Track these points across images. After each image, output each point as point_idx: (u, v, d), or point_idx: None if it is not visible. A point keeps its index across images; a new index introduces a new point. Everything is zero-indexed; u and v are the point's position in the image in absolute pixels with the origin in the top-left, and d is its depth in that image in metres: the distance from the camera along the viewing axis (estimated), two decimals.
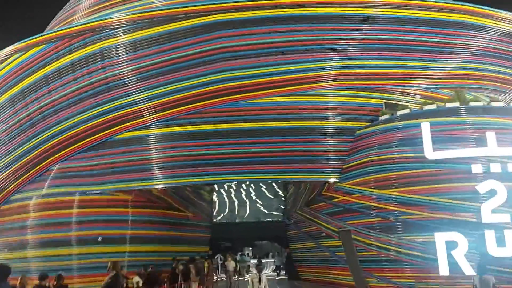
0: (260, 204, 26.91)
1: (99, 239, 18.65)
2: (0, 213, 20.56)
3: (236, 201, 26.75)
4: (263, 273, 10.54)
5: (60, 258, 18.46)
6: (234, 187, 25.51)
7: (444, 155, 14.50)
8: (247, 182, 24.22)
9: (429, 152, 14.61)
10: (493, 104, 16.21)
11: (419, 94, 18.37)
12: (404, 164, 15.50)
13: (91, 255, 18.61)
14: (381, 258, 15.40)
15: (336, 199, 17.69)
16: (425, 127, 14.90)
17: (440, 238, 13.73)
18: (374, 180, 16.08)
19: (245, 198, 26.83)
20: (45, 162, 19.44)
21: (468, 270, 13.24)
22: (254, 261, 31.61)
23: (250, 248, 41.75)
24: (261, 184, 24.66)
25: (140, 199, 20.01)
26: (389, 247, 15.09)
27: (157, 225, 20.48)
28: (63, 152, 19.10)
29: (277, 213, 26.08)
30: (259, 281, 10.23)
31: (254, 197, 26.87)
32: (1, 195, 20.42)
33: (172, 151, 18.44)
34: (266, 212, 26.93)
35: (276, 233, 26.30)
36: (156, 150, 18.63)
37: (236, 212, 28.03)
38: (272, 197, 25.95)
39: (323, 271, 19.42)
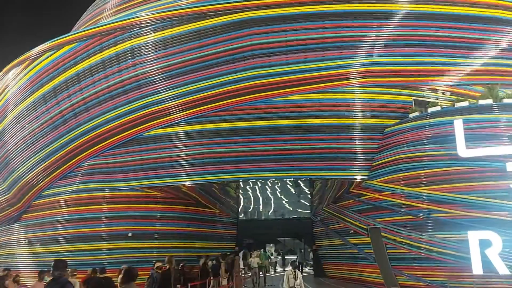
0: (286, 201, 26.91)
1: (129, 234, 18.99)
2: (32, 208, 21.17)
3: (261, 198, 26.81)
4: (299, 270, 10.55)
5: (91, 253, 18.90)
6: (260, 184, 25.55)
7: (477, 153, 14.27)
8: (273, 180, 24.21)
9: (462, 150, 14.39)
10: None
11: (449, 91, 18.10)
12: (435, 162, 15.33)
13: (121, 250, 19.00)
14: (411, 256, 15.29)
15: (365, 197, 17.60)
16: (458, 124, 14.69)
17: (474, 236, 13.54)
18: (404, 178, 15.95)
19: (270, 195, 26.86)
20: (76, 159, 19.88)
21: (502, 269, 13.03)
22: (289, 257, 31.71)
23: (272, 245, 41.92)
24: (287, 181, 24.63)
25: (168, 196, 20.30)
26: (420, 245, 14.96)
27: (185, 221, 20.75)
28: (94, 148, 19.49)
29: (303, 210, 26.03)
30: (295, 278, 10.28)
31: (280, 194, 26.89)
32: (33, 190, 20.99)
33: (199, 148, 18.62)
34: (291, 209, 26.92)
35: (302, 230, 26.29)
36: (183, 147, 18.87)
37: (261, 209, 28.12)
38: (298, 194, 25.92)
39: (350, 268, 19.39)
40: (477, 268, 13.30)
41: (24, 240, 21.06)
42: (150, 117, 18.82)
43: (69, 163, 20.00)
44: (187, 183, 19.20)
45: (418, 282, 15.12)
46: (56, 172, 20.29)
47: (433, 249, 14.58)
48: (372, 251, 17.25)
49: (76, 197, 19.72)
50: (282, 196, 26.84)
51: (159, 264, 12.14)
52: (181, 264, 14.72)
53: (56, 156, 19.99)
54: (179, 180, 19.04)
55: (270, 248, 39.65)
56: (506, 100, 15.65)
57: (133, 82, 18.35)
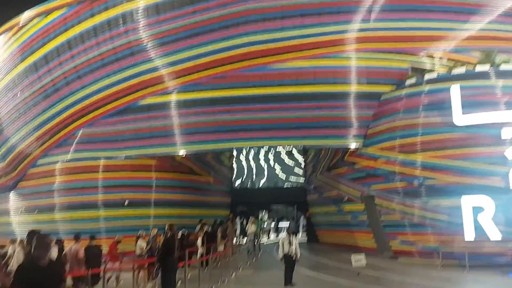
0: (279, 170, 27.06)
1: (126, 203, 19.06)
2: (28, 177, 21.11)
3: (255, 167, 26.95)
4: (295, 236, 10.66)
5: (88, 221, 19.00)
6: (253, 153, 25.64)
7: (473, 120, 14.25)
8: (266, 148, 24.28)
9: (458, 117, 14.36)
10: None
11: (446, 57, 17.89)
12: (430, 129, 15.32)
13: (118, 218, 19.11)
14: (404, 222, 15.49)
15: (360, 164, 17.67)
16: (455, 90, 14.59)
17: (467, 202, 13.70)
18: (399, 145, 15.97)
19: (264, 164, 26.98)
20: (70, 127, 19.68)
21: (494, 234, 13.27)
22: (282, 224, 32.10)
23: (264, 212, 42.36)
24: (280, 150, 24.71)
25: (163, 164, 20.28)
26: (413, 211, 15.13)
27: (180, 189, 20.79)
28: (87, 117, 19.27)
29: (296, 178, 26.20)
30: (290, 244, 10.40)
31: (273, 163, 27.00)
32: (28, 159, 20.88)
33: (193, 117, 18.49)
34: (285, 177, 27.08)
35: (295, 198, 26.55)
36: (177, 116, 18.72)
37: (255, 178, 28.29)
38: (291, 162, 26.05)
39: (343, 234, 19.68)
40: (469, 233, 13.51)
41: (21, 209, 21.11)
42: (143, 85, 18.54)
43: (63, 132, 19.81)
44: (181, 152, 19.20)
45: (411, 247, 15.39)
46: (50, 141, 20.13)
47: (426, 215, 14.76)
48: (365, 217, 17.47)
49: (71, 166, 19.63)
50: (275, 165, 26.94)
51: (155, 231, 12.26)
52: (181, 232, 14.80)
53: (49, 125, 19.79)
54: (174, 149, 19.04)
55: (263, 216, 40.18)
56: (503, 66, 15.51)
57: (125, 49, 17.98)
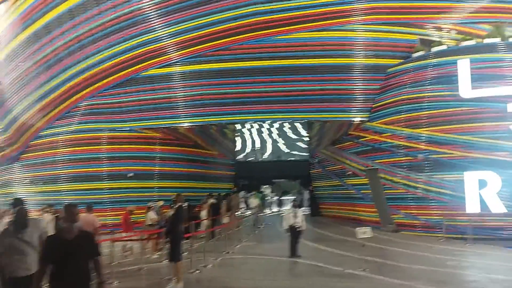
0: (283, 143, 27.00)
1: (130, 174, 19.12)
2: (32, 148, 21.13)
3: (259, 140, 26.89)
4: (300, 208, 10.71)
5: (92, 192, 19.12)
6: (257, 126, 25.53)
7: (481, 94, 14.07)
8: (270, 122, 24.16)
9: (466, 91, 14.17)
10: None
11: (454, 29, 17.52)
12: (437, 103, 15.16)
13: (122, 190, 19.23)
14: (408, 195, 15.54)
15: (364, 138, 17.59)
16: (463, 64, 14.33)
17: (472, 176, 13.68)
18: (404, 119, 15.85)
19: (267, 137, 26.92)
20: (73, 99, 19.55)
21: (498, 207, 13.31)
22: (286, 198, 32.36)
23: (266, 186, 42.61)
24: (284, 123, 24.59)
25: (167, 137, 20.25)
26: (418, 185, 15.15)
27: (184, 162, 20.83)
28: (90, 88, 19.11)
29: (300, 152, 26.15)
30: (295, 216, 10.45)
31: (276, 136, 26.93)
32: (31, 130, 20.85)
33: (197, 89, 18.32)
34: (288, 151, 27.05)
35: (298, 172, 26.60)
36: (180, 88, 18.56)
37: (258, 151, 28.29)
38: (295, 136, 25.95)
39: (346, 208, 19.80)
40: (473, 207, 13.55)
41: (26, 179, 21.23)
42: (146, 56, 18.28)
43: (66, 103, 19.69)
44: (185, 124, 19.13)
45: (414, 221, 15.48)
46: (53, 112, 20.04)
47: (430, 189, 14.78)
48: (369, 191, 17.51)
49: (75, 137, 19.59)
50: (279, 138, 26.88)
51: (161, 203, 12.34)
52: (186, 204, 14.89)
53: (52, 96, 19.66)
54: (177, 121, 18.97)
55: (265, 189, 40.40)
56: None
57: (128, 19, 17.64)
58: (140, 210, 13.93)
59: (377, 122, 16.95)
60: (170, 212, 8.00)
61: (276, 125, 26.00)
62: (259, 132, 26.46)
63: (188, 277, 8.55)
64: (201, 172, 21.89)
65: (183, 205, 8.36)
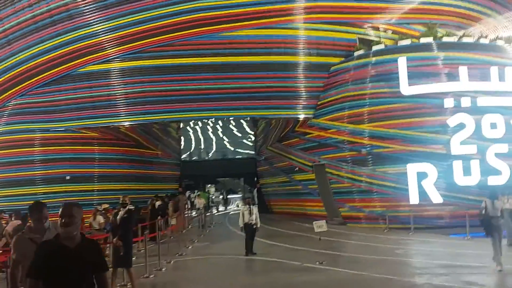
0: (228, 142, 26.81)
1: (67, 177, 18.00)
2: None
3: (203, 139, 26.47)
4: (252, 206, 10.62)
5: (26, 197, 17.73)
6: (201, 124, 25.12)
7: (419, 90, 14.82)
8: (214, 119, 23.88)
9: (405, 87, 14.86)
10: (464, 39, 16.50)
11: (390, 29, 18.37)
12: (378, 100, 15.76)
13: (58, 194, 18.04)
14: (353, 189, 16.03)
15: (311, 135, 17.90)
16: (402, 62, 15.02)
17: (412, 169, 14.38)
18: (348, 116, 16.31)
19: (212, 136, 26.60)
20: (0, 98, 18.02)
21: (436, 198, 14.10)
22: (231, 196, 32.15)
23: (210, 185, 42.26)
24: (229, 121, 24.40)
25: (107, 137, 19.32)
26: (362, 178, 15.67)
27: (126, 163, 19.99)
28: (20, 86, 17.72)
29: (246, 150, 26.10)
30: (250, 213, 10.36)
31: (221, 134, 26.68)
32: None
33: (138, 86, 17.67)
34: (234, 149, 26.90)
35: (245, 169, 26.59)
36: (120, 85, 17.80)
37: (203, 150, 27.87)
38: (241, 134, 25.87)
39: (294, 203, 20.06)
40: (414, 198, 14.25)
41: None
42: (83, 52, 17.31)
43: None
44: (125, 123, 18.39)
45: (359, 213, 16.01)
46: None
47: (373, 182, 15.35)
48: (316, 186, 17.86)
49: (3, 139, 18.08)
50: (224, 136, 26.67)
51: (106, 206, 11.67)
52: (134, 206, 14.24)
53: None
54: (117, 120, 18.17)
55: (210, 188, 40.00)
56: (445, 39, 16.19)
57: (62, 12, 16.56)
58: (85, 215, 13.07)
59: (322, 118, 17.31)
60: (122, 214, 7.51)
61: (221, 123, 25.74)
62: (204, 130, 26.05)
63: (143, 282, 8.13)
64: (144, 172, 21.13)
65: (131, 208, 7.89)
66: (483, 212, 9.00)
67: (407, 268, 8.85)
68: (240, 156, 25.73)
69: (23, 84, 17.65)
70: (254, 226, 10.35)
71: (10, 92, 17.83)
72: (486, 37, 17.05)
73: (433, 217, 14.32)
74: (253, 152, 24.75)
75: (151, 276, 8.54)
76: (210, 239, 14.47)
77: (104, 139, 19.23)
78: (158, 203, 16.07)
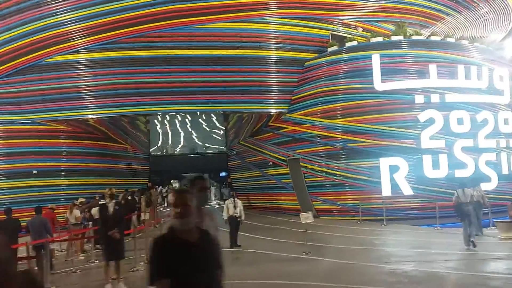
0: (197, 136, 26.53)
1: (34, 172, 17.28)
2: None
3: (170, 133, 26.05)
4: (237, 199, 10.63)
5: None
6: (168, 118, 24.73)
7: (391, 86, 15.29)
8: (182, 113, 23.60)
9: (378, 83, 15.28)
10: (432, 38, 17.17)
11: (361, 27, 18.84)
12: (351, 95, 16.12)
13: (24, 189, 17.31)
14: (327, 183, 16.35)
15: (285, 129, 18.07)
16: (375, 58, 15.42)
17: (384, 163, 14.84)
18: (322, 111, 16.59)
19: (180, 130, 26.24)
20: None
21: (407, 190, 14.63)
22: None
23: (174, 181, 41.70)
24: (198, 115, 24.18)
25: (75, 130, 18.68)
26: (336, 172, 16.01)
27: (94, 157, 19.42)
28: None
29: (215, 145, 25.94)
30: (234, 207, 10.37)
31: (190, 129, 26.37)
32: None
33: (105, 78, 17.22)
34: (204, 144, 26.63)
35: (214, 164, 26.48)
36: (90, 77, 17.28)
37: (170, 144, 27.42)
38: (210, 129, 25.67)
39: (267, 197, 20.18)
40: (386, 190, 14.73)
41: None
42: (50, 41, 16.66)
43: None
44: (93, 116, 17.88)
45: (333, 206, 16.35)
46: None
47: (348, 176, 15.72)
48: (289, 180, 18.05)
49: None
50: (193, 131, 26.38)
51: (83, 200, 11.32)
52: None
53: None
54: (85, 112, 17.64)
55: (175, 184, 39.47)
56: (414, 37, 16.78)
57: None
58: (58, 210, 12.57)
59: (297, 113, 17.52)
60: (113, 206, 7.29)
61: (189, 117, 25.44)
62: (172, 124, 25.65)
63: (132, 275, 7.98)
64: (113, 167, 20.61)
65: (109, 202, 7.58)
66: (457, 200, 9.58)
67: (389, 256, 9.17)
68: (210, 151, 25.53)
69: None
70: (239, 219, 10.38)
71: None
72: (451, 36, 17.81)
73: (404, 208, 14.85)
74: (223, 147, 24.64)
75: (141, 270, 8.38)
76: None
77: (72, 132, 18.60)
78: (127, 197, 15.78)
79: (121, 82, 17.31)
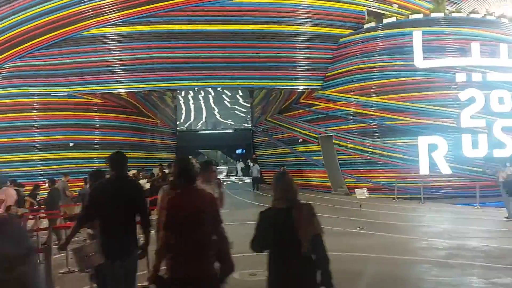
0: (221, 112, 26.49)
1: (71, 144, 17.53)
2: None
3: (194, 109, 26.04)
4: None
5: (25, 163, 17.20)
6: (193, 94, 24.65)
7: (432, 64, 15.10)
8: (208, 89, 23.58)
9: (419, 61, 15.09)
10: (472, 16, 16.82)
11: (396, 3, 18.51)
12: (388, 73, 15.97)
13: (58, 161, 17.61)
14: (361, 160, 16.36)
15: (317, 106, 18.01)
16: (417, 35, 15.19)
17: (423, 141, 14.79)
18: (359, 88, 16.47)
19: (205, 106, 26.21)
20: None
21: (445, 169, 14.62)
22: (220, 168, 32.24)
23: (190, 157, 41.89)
24: (223, 91, 24.09)
25: (109, 104, 18.84)
26: (370, 150, 16.01)
27: (126, 131, 19.61)
28: (19, 48, 16.85)
29: (239, 122, 25.84)
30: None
31: (214, 105, 26.33)
32: None
33: (135, 53, 17.28)
34: (225, 121, 26.59)
35: (240, 141, 26.56)
36: (119, 51, 17.35)
37: (193, 120, 27.45)
38: (234, 105, 25.59)
39: (296, 174, 20.20)
40: (424, 169, 14.72)
41: None
42: (87, 14, 16.67)
43: None
44: (123, 90, 18.01)
45: (366, 184, 16.38)
46: None
47: (383, 154, 15.71)
48: (320, 157, 18.09)
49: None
50: (216, 107, 26.33)
51: (134, 172, 11.51)
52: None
53: None
54: (116, 87, 17.77)
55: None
56: (455, 14, 16.46)
57: None
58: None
59: (330, 90, 17.42)
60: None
61: (213, 93, 25.32)
62: (195, 99, 25.60)
63: None
64: (144, 141, 20.82)
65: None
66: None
67: (448, 232, 9.11)
68: (235, 128, 25.46)
69: (23, 46, 16.81)
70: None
71: (8, 53, 16.94)
72: (491, 14, 17.42)
73: (441, 187, 14.88)
74: (247, 125, 24.54)
75: None
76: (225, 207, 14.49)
77: (105, 105, 18.75)
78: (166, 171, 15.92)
79: (147, 57, 17.39)
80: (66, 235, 6.62)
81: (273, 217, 3.09)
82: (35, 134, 17.46)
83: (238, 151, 40.00)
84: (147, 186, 11.82)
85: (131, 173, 11.50)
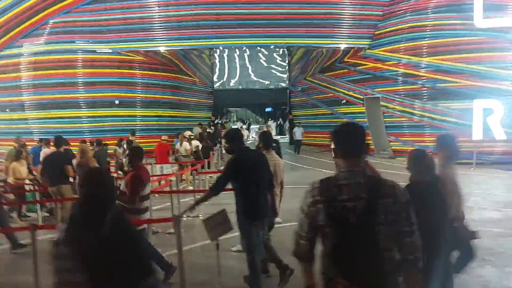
0: (255, 71, 26.00)
1: (116, 102, 17.67)
2: None
3: (228, 67, 25.65)
4: None
5: (69, 120, 17.49)
6: (227, 52, 24.21)
7: (491, 24, 14.33)
8: (244, 48, 23.16)
9: (479, 20, 14.34)
10: None
11: None
12: (440, 32, 15.27)
13: (102, 118, 17.84)
14: (404, 123, 16.02)
15: (364, 66, 17.51)
16: None
17: (478, 105, 14.31)
18: (411, 47, 15.85)
19: (240, 65, 25.73)
20: (40, 15, 16.99)
21: (499, 135, 14.21)
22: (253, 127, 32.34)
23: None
24: (259, 49, 23.55)
25: (152, 61, 18.74)
26: (420, 113, 15.61)
27: (166, 89, 19.60)
28: (62, 3, 16.68)
29: (275, 80, 25.40)
30: None
31: (248, 63, 25.82)
32: None
33: (175, 9, 16.99)
34: (259, 79, 26.17)
35: (277, 100, 26.30)
36: (156, 7, 17.08)
37: (226, 77, 27.10)
38: (272, 64, 25.04)
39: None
40: (477, 134, 14.33)
41: None
42: None
43: (33, 20, 17.10)
44: (164, 48, 17.86)
45: (411, 147, 16.12)
46: (16, 31, 17.37)
47: (434, 117, 15.31)
48: (365, 120, 17.77)
49: (43, 59, 17.37)
50: (253, 65, 25.84)
51: (189, 132, 11.54)
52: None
53: (17, 10, 16.91)
54: (158, 44, 17.66)
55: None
56: None
57: None
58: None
59: (379, 49, 16.85)
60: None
61: (248, 51, 24.81)
62: (230, 58, 25.15)
63: None
64: (184, 100, 20.81)
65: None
66: None
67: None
68: (271, 87, 25.08)
69: (66, 1, 16.60)
70: None
71: (52, 9, 16.80)
72: None
73: (494, 153, 14.51)
74: (284, 84, 24.12)
75: None
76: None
77: (147, 63, 18.66)
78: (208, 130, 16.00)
79: (186, 14, 17.07)
80: None
81: (425, 190, 3.28)
82: (80, 91, 17.61)
83: (268, 109, 39.68)
84: (200, 146, 11.82)
85: (187, 133, 11.55)
